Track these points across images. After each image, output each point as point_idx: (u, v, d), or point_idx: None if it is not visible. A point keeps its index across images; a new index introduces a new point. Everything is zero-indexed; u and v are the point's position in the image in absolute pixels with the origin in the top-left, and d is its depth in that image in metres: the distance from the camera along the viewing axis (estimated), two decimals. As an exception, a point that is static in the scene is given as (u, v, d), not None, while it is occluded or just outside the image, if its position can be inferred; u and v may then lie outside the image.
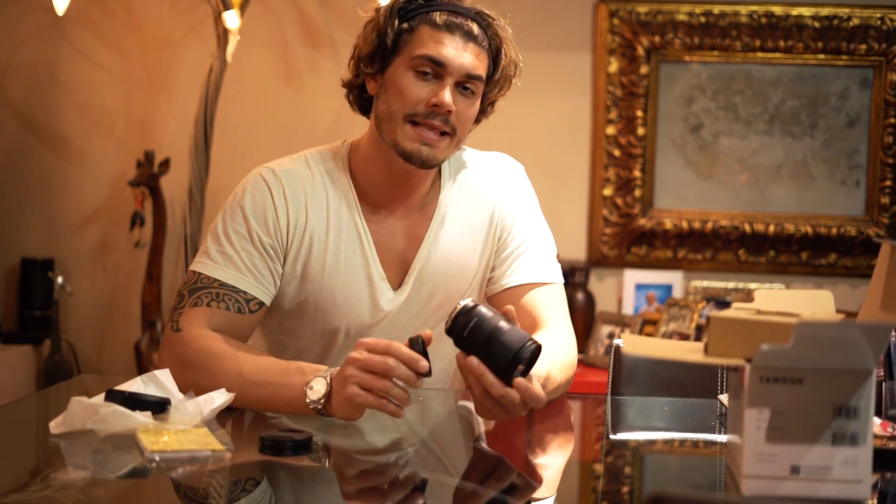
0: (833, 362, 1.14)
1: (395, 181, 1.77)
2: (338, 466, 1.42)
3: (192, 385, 1.54)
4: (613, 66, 3.66)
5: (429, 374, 1.46)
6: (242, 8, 3.45)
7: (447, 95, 1.67)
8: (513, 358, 1.41)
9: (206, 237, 1.74)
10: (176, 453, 1.32)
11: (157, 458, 1.31)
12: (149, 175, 3.57)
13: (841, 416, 1.15)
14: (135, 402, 1.44)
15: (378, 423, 1.56)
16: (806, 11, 3.62)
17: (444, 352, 1.83)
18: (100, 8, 3.77)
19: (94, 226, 3.82)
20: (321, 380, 1.51)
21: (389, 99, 1.71)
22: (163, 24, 3.79)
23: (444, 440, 1.60)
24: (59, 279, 3.60)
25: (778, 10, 3.62)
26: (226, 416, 1.56)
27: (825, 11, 3.61)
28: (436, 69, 1.68)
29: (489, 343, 1.42)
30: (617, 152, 3.68)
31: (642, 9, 3.64)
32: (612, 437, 1.66)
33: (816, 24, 3.61)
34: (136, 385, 1.50)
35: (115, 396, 1.44)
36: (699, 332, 3.34)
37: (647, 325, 3.50)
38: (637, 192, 3.68)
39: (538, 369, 1.52)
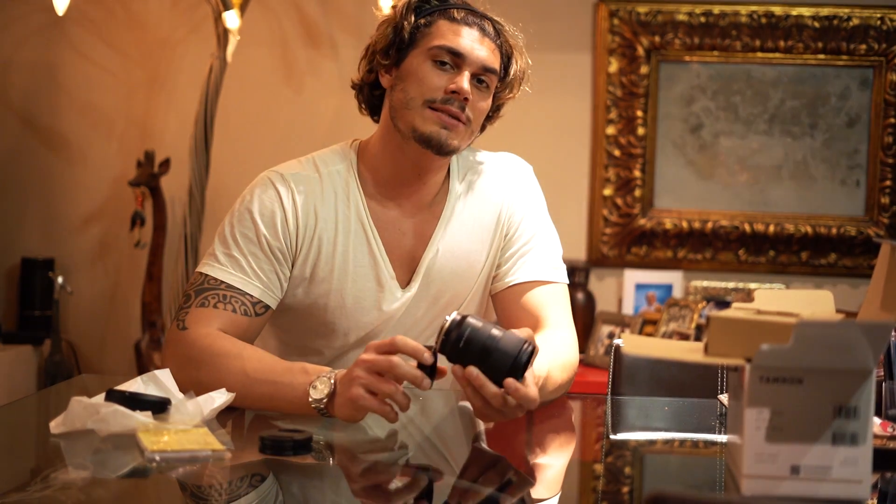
0: (833, 362, 1.14)
1: (405, 176, 1.78)
2: (338, 466, 1.42)
3: (196, 383, 1.55)
4: (613, 66, 3.66)
5: (432, 375, 1.46)
6: (242, 8, 3.45)
7: (465, 82, 1.71)
8: (512, 364, 1.41)
9: (214, 239, 1.75)
10: (176, 453, 1.32)
11: (158, 458, 1.31)
12: (149, 175, 3.57)
13: (841, 416, 1.15)
14: (135, 402, 1.44)
15: (379, 423, 1.56)
16: (806, 11, 3.62)
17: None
18: (100, 8, 3.77)
19: (94, 226, 3.82)
20: (325, 380, 1.52)
21: (407, 87, 1.74)
22: (163, 24, 3.79)
23: (445, 440, 1.60)
24: (59, 279, 3.60)
25: (778, 10, 3.62)
26: (226, 416, 1.56)
27: (825, 11, 3.61)
28: (454, 59, 1.72)
29: (486, 353, 1.41)
30: (617, 152, 3.68)
31: (642, 9, 3.64)
32: (612, 437, 1.66)
33: (816, 24, 3.61)
34: (136, 385, 1.50)
35: (115, 396, 1.44)
36: (699, 332, 3.34)
37: (647, 325, 3.50)
38: (637, 192, 3.68)
39: (538, 369, 1.52)
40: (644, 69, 3.65)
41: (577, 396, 1.91)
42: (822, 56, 3.63)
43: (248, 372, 1.59)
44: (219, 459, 1.33)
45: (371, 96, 1.82)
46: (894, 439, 1.41)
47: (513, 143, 3.61)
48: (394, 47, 1.76)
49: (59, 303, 3.61)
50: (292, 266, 1.76)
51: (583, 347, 3.40)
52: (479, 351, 1.42)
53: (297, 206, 1.74)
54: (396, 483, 1.34)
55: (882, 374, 1.53)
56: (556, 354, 1.68)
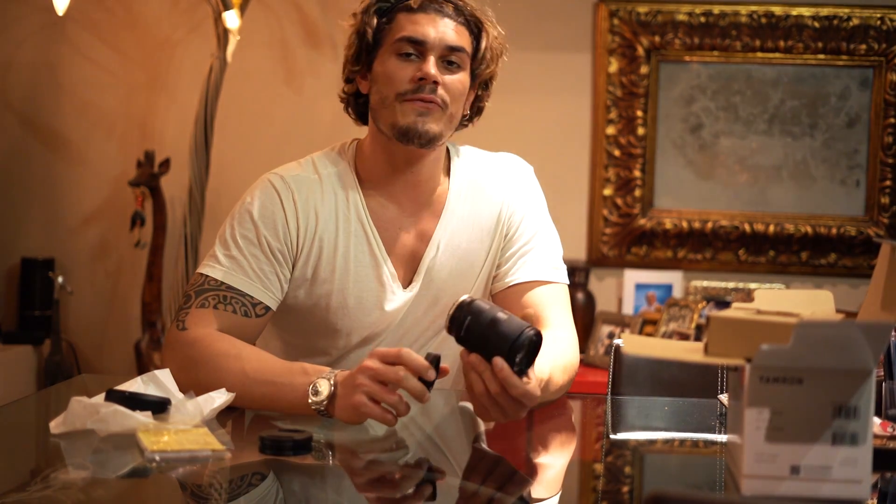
0: (833, 362, 1.14)
1: (399, 175, 1.78)
2: (338, 466, 1.42)
3: (195, 383, 1.55)
4: (613, 66, 3.66)
5: (431, 387, 1.47)
6: (242, 8, 3.45)
7: (431, 67, 1.71)
8: (511, 345, 1.40)
9: (215, 241, 1.75)
10: (176, 453, 1.32)
11: (158, 458, 1.31)
12: (149, 175, 3.57)
13: (841, 416, 1.15)
14: (135, 402, 1.44)
15: (378, 423, 1.56)
16: (806, 11, 3.62)
17: (446, 353, 1.84)
18: (100, 8, 3.77)
19: (94, 226, 3.82)
20: (324, 381, 1.52)
21: (380, 88, 1.75)
22: (163, 24, 3.79)
23: (445, 440, 1.60)
24: (59, 279, 3.60)
25: (778, 10, 3.62)
26: (226, 416, 1.56)
27: (825, 11, 3.61)
28: (416, 48, 1.72)
29: (487, 334, 1.41)
30: (617, 152, 3.68)
31: (642, 9, 3.64)
32: (612, 436, 1.66)
33: (816, 24, 3.61)
34: (136, 385, 1.50)
35: (115, 396, 1.44)
36: (699, 332, 3.34)
37: (647, 325, 3.50)
38: (637, 192, 3.68)
39: (540, 370, 1.51)
40: (644, 69, 3.65)
41: (577, 396, 1.91)
42: (822, 56, 3.62)
43: (248, 372, 1.59)
44: (219, 459, 1.33)
45: (358, 105, 1.84)
46: (894, 439, 1.41)
47: (513, 142, 3.61)
48: (363, 52, 1.77)
49: (59, 303, 3.61)
50: (293, 267, 1.76)
51: (583, 347, 3.40)
52: (482, 333, 1.42)
53: (297, 207, 1.75)
54: (396, 483, 1.34)
55: (882, 374, 1.53)
56: (556, 355, 1.67)
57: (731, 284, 3.66)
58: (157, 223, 3.62)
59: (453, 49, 1.73)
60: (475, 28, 1.78)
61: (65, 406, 1.43)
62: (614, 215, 3.69)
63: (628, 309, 3.66)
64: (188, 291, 1.71)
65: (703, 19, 3.63)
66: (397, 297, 1.79)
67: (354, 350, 1.81)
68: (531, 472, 1.44)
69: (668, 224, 3.68)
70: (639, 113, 3.67)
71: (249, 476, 1.34)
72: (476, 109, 1.86)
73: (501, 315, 1.43)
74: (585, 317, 3.60)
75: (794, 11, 3.62)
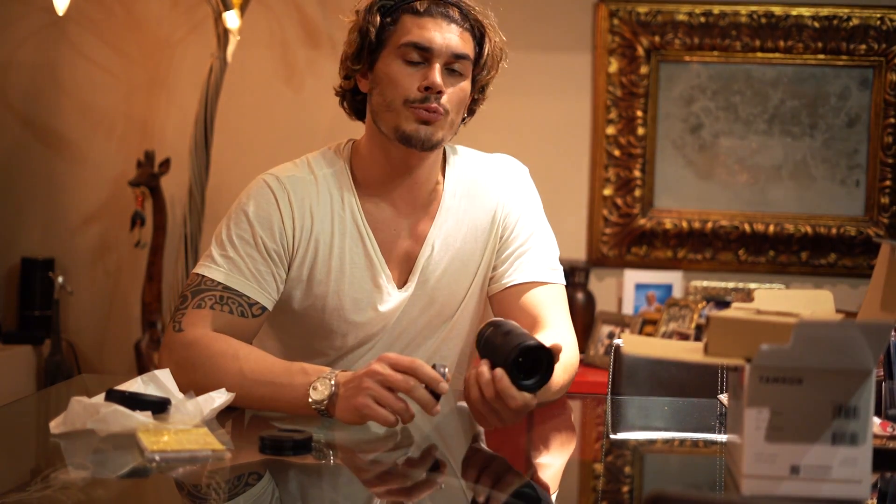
0: (833, 362, 1.14)
1: (395, 175, 1.78)
2: (338, 466, 1.42)
3: (193, 385, 1.54)
4: (613, 66, 3.66)
5: (438, 398, 1.48)
6: (242, 8, 3.45)
7: (437, 76, 1.70)
8: (510, 353, 1.42)
9: (211, 242, 1.75)
10: (176, 453, 1.32)
11: (158, 458, 1.31)
12: (149, 175, 3.57)
13: (841, 416, 1.15)
14: (135, 402, 1.44)
15: (378, 423, 1.56)
16: (806, 11, 3.62)
17: (444, 355, 1.84)
18: (100, 8, 3.77)
19: (94, 226, 3.82)
20: (325, 381, 1.52)
21: (384, 90, 1.74)
22: (163, 24, 3.79)
23: (445, 439, 1.60)
24: (59, 279, 3.60)
25: (778, 10, 3.62)
26: (226, 416, 1.56)
27: (825, 11, 3.61)
28: (422, 54, 1.71)
29: (497, 342, 1.45)
30: (617, 152, 3.68)
31: (642, 9, 3.64)
32: (612, 436, 1.66)
33: (816, 25, 3.61)
34: (136, 385, 1.50)
35: (115, 396, 1.44)
36: (699, 332, 3.34)
37: (647, 325, 3.50)
38: (637, 192, 3.68)
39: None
40: (644, 69, 3.65)
41: (577, 396, 1.91)
42: (821, 56, 3.62)
43: (246, 373, 1.59)
44: (219, 459, 1.33)
45: (354, 101, 1.83)
46: (894, 439, 1.41)
47: (513, 142, 3.62)
48: (364, 51, 1.75)
49: (59, 303, 3.61)
50: (289, 268, 1.76)
51: (583, 347, 3.40)
52: (492, 342, 1.46)
53: (293, 208, 1.75)
54: (397, 483, 1.34)
55: (882, 374, 1.53)
56: (556, 355, 1.67)
57: (731, 284, 3.66)
58: (157, 223, 3.62)
59: (458, 57, 1.72)
60: (478, 33, 1.77)
61: (65, 406, 1.43)
62: (614, 215, 3.69)
63: (628, 309, 3.66)
64: (185, 292, 1.71)
65: (703, 19, 3.63)
66: (392, 298, 1.79)
67: (351, 351, 1.81)
68: (531, 471, 1.45)
69: (668, 224, 3.68)
70: (639, 113, 3.67)
71: (249, 476, 1.34)
72: (469, 111, 1.85)
73: (519, 329, 1.45)
74: (585, 317, 3.60)
75: (794, 11, 3.62)
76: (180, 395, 1.49)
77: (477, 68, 1.78)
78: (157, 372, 1.53)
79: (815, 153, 3.65)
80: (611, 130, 3.68)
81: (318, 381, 1.52)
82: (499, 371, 1.42)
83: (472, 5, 1.77)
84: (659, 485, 1.39)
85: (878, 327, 1.13)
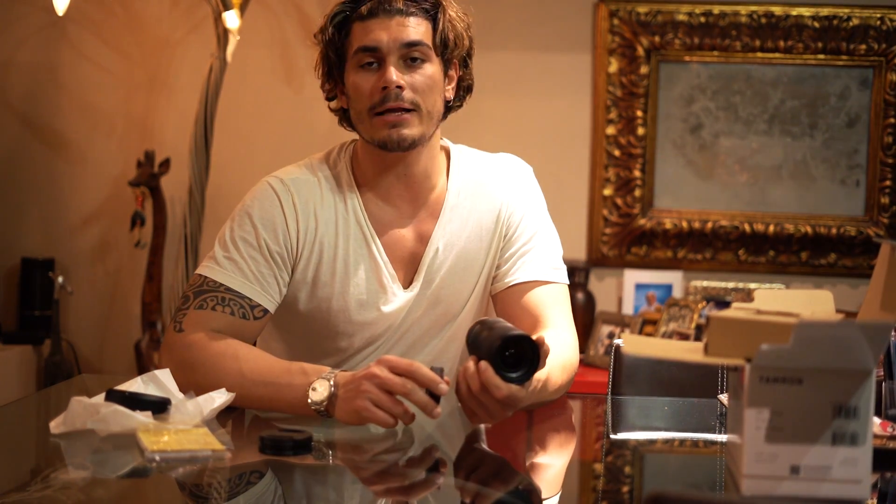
0: (833, 362, 1.14)
1: (391, 177, 1.78)
2: (338, 466, 1.42)
3: (193, 385, 1.54)
4: (613, 66, 3.66)
5: (438, 400, 1.48)
6: (242, 8, 3.45)
7: (391, 74, 1.69)
8: (493, 344, 1.42)
9: (214, 243, 1.75)
10: (176, 453, 1.32)
11: (158, 458, 1.31)
12: (149, 175, 3.57)
13: (841, 416, 1.15)
14: (135, 402, 1.44)
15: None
16: (806, 11, 3.62)
17: (449, 355, 1.84)
18: (100, 8, 3.77)
19: (94, 226, 3.82)
20: (324, 381, 1.52)
21: (352, 103, 1.76)
22: (163, 24, 3.79)
23: (445, 439, 1.60)
24: (59, 279, 3.60)
25: (778, 10, 3.62)
26: (226, 416, 1.56)
27: (825, 11, 3.61)
28: (374, 56, 1.71)
29: (483, 336, 1.45)
30: (617, 152, 3.68)
31: (642, 9, 3.64)
32: (612, 436, 1.66)
33: (816, 24, 3.61)
34: (136, 385, 1.50)
35: (115, 396, 1.45)
36: (699, 332, 3.34)
37: (647, 325, 3.50)
38: (637, 192, 3.68)
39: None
40: (644, 69, 3.65)
41: (577, 396, 1.91)
42: (821, 56, 3.62)
43: (246, 373, 1.59)
44: (219, 459, 1.33)
45: (348, 118, 1.82)
46: (894, 439, 1.41)
47: (513, 142, 3.61)
48: (333, 69, 1.77)
49: (59, 303, 3.61)
50: (293, 270, 1.76)
51: (583, 347, 3.40)
52: (480, 338, 1.46)
53: (297, 210, 1.75)
54: (397, 483, 1.34)
55: (882, 374, 1.53)
56: (556, 355, 1.67)
57: (731, 284, 3.66)
58: (157, 223, 3.62)
59: (410, 45, 1.71)
60: (432, 11, 1.75)
61: (65, 406, 1.43)
62: (614, 215, 3.69)
63: (628, 309, 3.66)
64: (186, 292, 1.71)
65: (703, 19, 3.63)
66: (398, 298, 1.79)
67: (358, 352, 1.81)
68: (531, 471, 1.44)
69: (668, 224, 3.68)
70: (639, 113, 3.66)
71: (249, 476, 1.34)
72: (465, 88, 1.83)
73: (506, 324, 1.45)
74: (585, 317, 3.60)
75: (794, 11, 3.62)
76: (180, 395, 1.49)
77: (439, 46, 1.75)
78: (157, 372, 1.53)
79: (815, 153, 3.65)
80: (611, 130, 3.68)
81: (318, 381, 1.52)
82: (483, 363, 1.43)
83: None
84: (659, 485, 1.39)
85: (878, 327, 1.13)
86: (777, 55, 3.63)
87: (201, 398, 1.49)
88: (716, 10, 3.63)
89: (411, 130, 1.71)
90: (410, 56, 1.71)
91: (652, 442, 1.64)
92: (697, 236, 3.67)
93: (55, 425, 1.42)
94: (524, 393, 1.45)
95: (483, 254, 1.83)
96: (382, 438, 1.51)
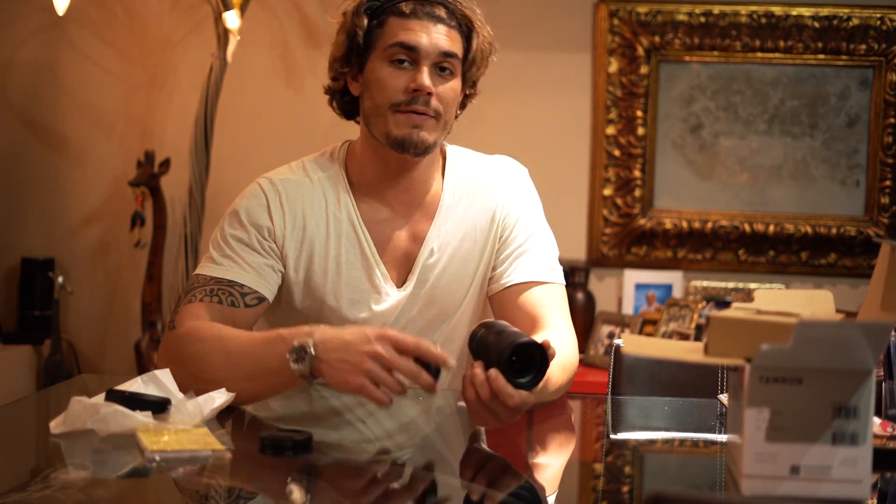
0: (833, 362, 1.14)
1: (392, 177, 1.78)
2: (338, 466, 1.42)
3: (188, 376, 1.53)
4: (613, 66, 3.66)
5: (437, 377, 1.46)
6: (242, 8, 3.45)
7: (425, 78, 1.70)
8: (502, 352, 1.41)
9: (209, 247, 1.76)
10: (176, 453, 1.32)
11: (158, 458, 1.31)
12: (149, 175, 3.57)
13: (841, 416, 1.15)
14: (135, 402, 1.44)
15: (378, 423, 1.56)
16: (806, 11, 3.62)
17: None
18: (100, 8, 3.77)
19: (94, 226, 3.82)
20: (302, 348, 1.46)
21: (373, 95, 1.74)
22: (163, 24, 3.79)
23: (445, 439, 1.60)
24: (60, 279, 3.60)
25: (778, 10, 3.62)
26: (226, 416, 1.56)
27: (825, 11, 3.61)
28: (410, 55, 1.71)
29: (490, 341, 1.44)
30: (617, 152, 3.68)
31: (642, 9, 3.64)
32: (612, 436, 1.66)
33: (816, 25, 3.61)
34: (136, 385, 1.50)
35: (115, 396, 1.44)
36: (699, 332, 3.34)
37: (647, 325, 3.50)
38: (637, 192, 3.68)
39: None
40: (644, 69, 3.65)
41: (577, 396, 1.91)
42: (821, 56, 3.62)
43: (231, 351, 1.56)
44: (219, 459, 1.33)
45: (343, 101, 1.83)
46: (894, 439, 1.41)
47: (513, 142, 3.62)
48: (353, 54, 1.75)
49: (59, 303, 3.61)
50: (284, 268, 1.76)
51: (583, 347, 3.40)
52: (485, 342, 1.45)
53: (284, 209, 1.75)
54: (397, 483, 1.34)
55: (882, 374, 1.53)
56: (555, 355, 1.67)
57: (731, 284, 3.66)
58: (157, 223, 3.62)
59: (447, 55, 1.72)
60: (466, 29, 1.76)
61: (65, 406, 1.43)
62: (614, 215, 3.69)
63: (628, 309, 3.66)
64: (180, 294, 1.72)
65: (703, 19, 3.63)
66: (391, 298, 1.79)
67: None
68: (530, 471, 1.44)
69: (668, 224, 3.68)
70: (639, 113, 3.67)
71: (249, 476, 1.34)
72: (461, 106, 1.84)
73: (511, 328, 1.45)
74: (585, 317, 3.60)
75: (794, 11, 3.62)
76: (180, 395, 1.49)
77: (466, 64, 1.77)
78: (157, 372, 1.53)
79: (815, 153, 3.65)
80: (611, 130, 3.68)
81: (296, 343, 1.47)
82: (493, 371, 1.41)
83: (459, 0, 1.76)
84: (659, 485, 1.39)
85: (878, 327, 1.13)
86: (777, 55, 3.63)
87: (201, 398, 1.49)
88: (716, 10, 3.63)
89: (430, 135, 1.72)
90: (442, 65, 1.72)
91: (652, 442, 1.64)
92: (697, 236, 3.67)
93: (55, 425, 1.42)
94: (533, 398, 1.45)
95: (478, 254, 1.83)
96: (382, 439, 1.51)
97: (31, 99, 3.82)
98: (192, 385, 1.50)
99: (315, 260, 1.77)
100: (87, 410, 1.41)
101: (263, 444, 1.38)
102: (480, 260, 1.83)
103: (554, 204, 3.74)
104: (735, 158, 3.67)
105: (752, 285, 3.65)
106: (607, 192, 3.69)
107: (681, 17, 3.63)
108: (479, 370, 1.43)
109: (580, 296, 3.60)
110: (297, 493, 1.29)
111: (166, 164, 3.59)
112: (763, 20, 3.62)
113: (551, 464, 1.51)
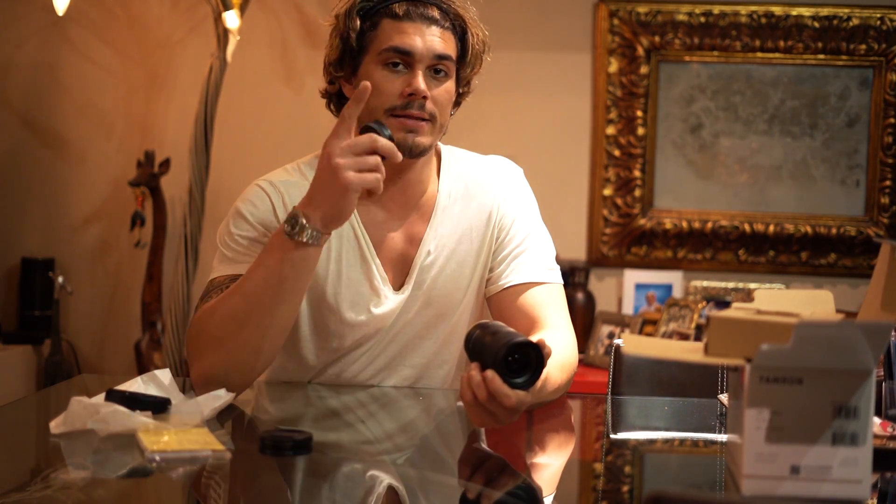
0: (833, 362, 1.14)
1: (387, 178, 1.77)
2: (338, 466, 1.42)
3: (216, 347, 1.57)
4: (613, 66, 3.66)
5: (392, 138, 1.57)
6: (242, 8, 3.45)
7: (420, 82, 1.69)
8: (498, 352, 1.41)
9: (214, 254, 1.76)
10: (176, 453, 1.32)
11: (158, 458, 1.31)
12: (149, 175, 3.57)
13: (841, 416, 1.15)
14: (135, 401, 1.44)
15: (378, 423, 1.56)
16: (806, 11, 3.62)
17: (445, 358, 1.84)
18: (100, 8, 3.77)
19: (94, 226, 3.82)
20: (293, 220, 1.55)
21: (367, 98, 1.72)
22: (163, 24, 3.79)
23: (444, 439, 1.60)
24: (59, 279, 3.60)
25: (778, 10, 3.62)
26: (226, 415, 1.56)
27: (825, 11, 3.61)
28: (404, 59, 1.70)
29: (485, 341, 1.43)
30: (617, 152, 3.68)
31: (642, 9, 3.64)
32: (612, 436, 1.66)
33: (816, 25, 3.61)
34: (136, 385, 1.50)
35: (115, 396, 1.45)
36: (699, 332, 3.34)
37: (647, 325, 3.50)
38: (637, 192, 3.68)
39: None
40: (644, 69, 3.65)
41: (577, 396, 1.91)
42: (821, 56, 3.63)
43: (241, 283, 1.60)
44: (219, 459, 1.33)
45: (340, 104, 1.82)
46: (894, 439, 1.41)
47: (512, 142, 3.62)
48: (347, 57, 1.75)
49: (59, 303, 3.61)
50: None
51: (583, 347, 3.40)
52: (481, 343, 1.45)
53: (287, 210, 1.74)
54: (397, 483, 1.34)
55: (882, 374, 1.53)
56: (555, 355, 1.67)
57: (731, 284, 3.66)
58: (157, 223, 3.62)
59: (441, 58, 1.71)
60: (459, 29, 1.76)
61: (65, 406, 1.43)
62: (614, 215, 3.69)
63: (628, 309, 3.66)
64: (198, 302, 1.72)
65: (703, 19, 3.63)
66: (389, 301, 1.78)
67: (350, 352, 1.80)
68: (530, 471, 1.44)
69: (668, 224, 3.68)
70: (639, 113, 3.67)
71: (249, 476, 1.34)
72: (455, 104, 1.83)
73: (506, 328, 1.44)
74: (585, 317, 3.60)
75: (794, 11, 3.62)
76: (180, 395, 1.50)
77: (461, 65, 1.77)
78: (157, 372, 1.53)
79: (815, 153, 3.65)
80: (611, 130, 3.68)
81: (288, 225, 1.54)
82: (489, 372, 1.41)
83: (452, 0, 1.76)
84: (659, 485, 1.39)
85: (878, 327, 1.13)
86: (777, 55, 3.63)
87: (201, 398, 1.49)
88: (716, 10, 3.63)
89: (425, 139, 1.72)
90: (436, 68, 1.72)
91: (652, 442, 1.64)
92: (697, 236, 3.67)
93: (55, 425, 1.42)
94: (530, 397, 1.45)
95: (475, 256, 1.83)
96: (382, 439, 1.51)
97: (31, 99, 3.82)
98: (225, 359, 1.53)
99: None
100: (87, 410, 1.41)
101: (263, 444, 1.38)
102: (477, 261, 1.83)
103: (554, 204, 3.75)
104: (735, 158, 3.67)
105: (752, 285, 3.65)
106: (607, 192, 3.69)
107: (681, 17, 3.63)
108: (475, 371, 1.43)
109: (580, 296, 3.60)
110: (296, 493, 1.30)
111: (166, 164, 3.59)
112: (763, 20, 3.62)
113: (551, 464, 1.50)
